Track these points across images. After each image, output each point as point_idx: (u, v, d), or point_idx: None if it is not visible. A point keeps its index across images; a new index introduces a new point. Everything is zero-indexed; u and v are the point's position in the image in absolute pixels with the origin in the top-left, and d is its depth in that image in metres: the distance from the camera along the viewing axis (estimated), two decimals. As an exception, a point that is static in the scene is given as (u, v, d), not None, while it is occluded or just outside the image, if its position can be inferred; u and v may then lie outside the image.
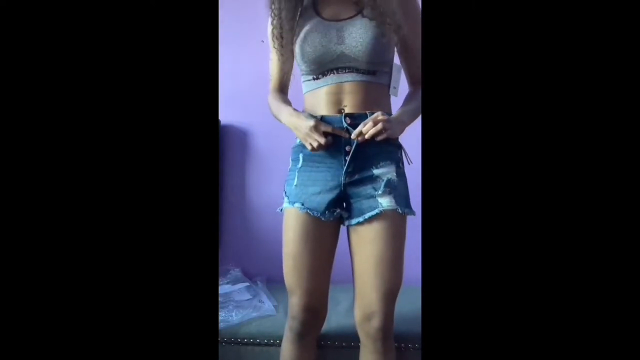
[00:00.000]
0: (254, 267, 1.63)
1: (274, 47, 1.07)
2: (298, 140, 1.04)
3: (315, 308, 1.01)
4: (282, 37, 1.03)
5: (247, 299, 1.43)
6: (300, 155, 1.04)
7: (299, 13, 1.03)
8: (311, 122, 0.95)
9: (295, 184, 1.03)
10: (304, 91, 1.07)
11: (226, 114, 1.61)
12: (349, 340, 1.14)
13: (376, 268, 0.95)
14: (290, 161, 1.07)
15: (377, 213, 0.96)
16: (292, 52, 1.04)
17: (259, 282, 1.55)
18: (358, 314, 1.00)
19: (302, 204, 1.00)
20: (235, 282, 1.56)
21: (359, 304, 0.99)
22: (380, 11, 0.95)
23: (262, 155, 1.65)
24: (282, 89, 1.15)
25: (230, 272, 1.62)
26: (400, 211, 0.97)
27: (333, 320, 1.26)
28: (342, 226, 1.05)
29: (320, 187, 1.00)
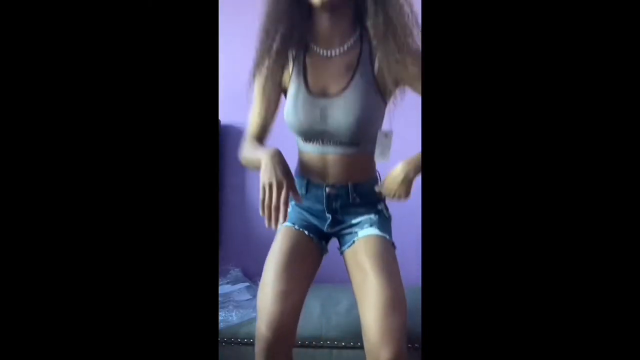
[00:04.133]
0: (254, 267, 1.62)
1: (258, 94, 1.04)
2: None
3: (284, 330, 0.91)
4: (267, 90, 1.02)
5: (247, 299, 1.43)
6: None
7: (288, 75, 1.01)
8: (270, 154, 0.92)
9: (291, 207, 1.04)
10: (297, 145, 1.09)
11: (226, 114, 1.61)
12: (348, 341, 1.14)
13: (378, 306, 0.89)
14: None
15: (366, 235, 1.02)
16: (276, 105, 1.04)
17: (259, 282, 1.55)
18: (366, 346, 0.91)
19: (294, 224, 1.06)
20: (235, 282, 1.56)
21: (366, 335, 0.91)
22: (376, 69, 0.93)
23: (262, 155, 1.65)
24: (260, 138, 1.09)
25: (230, 272, 1.62)
26: (388, 238, 1.03)
27: (333, 320, 1.26)
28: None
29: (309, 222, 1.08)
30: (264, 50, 0.97)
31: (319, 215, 1.07)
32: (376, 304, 0.88)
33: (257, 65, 1.00)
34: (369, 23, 0.92)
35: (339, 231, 1.08)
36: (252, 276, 1.60)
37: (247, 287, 1.53)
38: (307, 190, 1.05)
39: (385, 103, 1.01)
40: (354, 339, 1.07)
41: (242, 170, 1.68)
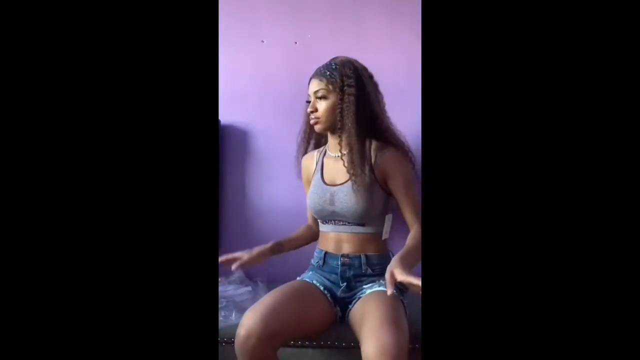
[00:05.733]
0: (255, 267, 1.63)
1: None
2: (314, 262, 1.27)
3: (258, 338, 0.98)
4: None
5: (248, 300, 1.43)
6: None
7: (314, 169, 1.30)
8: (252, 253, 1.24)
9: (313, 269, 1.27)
10: (319, 227, 1.30)
11: (226, 114, 1.61)
12: (349, 341, 1.14)
13: (375, 325, 0.94)
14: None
15: (373, 291, 1.11)
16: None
17: (259, 283, 1.55)
18: None
19: (311, 280, 1.20)
20: (236, 283, 1.56)
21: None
22: (364, 180, 1.14)
23: (263, 155, 1.65)
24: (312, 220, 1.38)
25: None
26: (396, 293, 1.08)
27: (333, 321, 1.26)
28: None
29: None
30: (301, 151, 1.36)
31: (334, 282, 1.20)
32: (375, 352, 0.89)
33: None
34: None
35: (352, 296, 1.17)
36: (253, 277, 1.59)
37: (248, 288, 1.52)
38: (324, 262, 1.23)
39: (384, 191, 1.20)
40: (353, 339, 1.07)
41: (242, 170, 1.68)
